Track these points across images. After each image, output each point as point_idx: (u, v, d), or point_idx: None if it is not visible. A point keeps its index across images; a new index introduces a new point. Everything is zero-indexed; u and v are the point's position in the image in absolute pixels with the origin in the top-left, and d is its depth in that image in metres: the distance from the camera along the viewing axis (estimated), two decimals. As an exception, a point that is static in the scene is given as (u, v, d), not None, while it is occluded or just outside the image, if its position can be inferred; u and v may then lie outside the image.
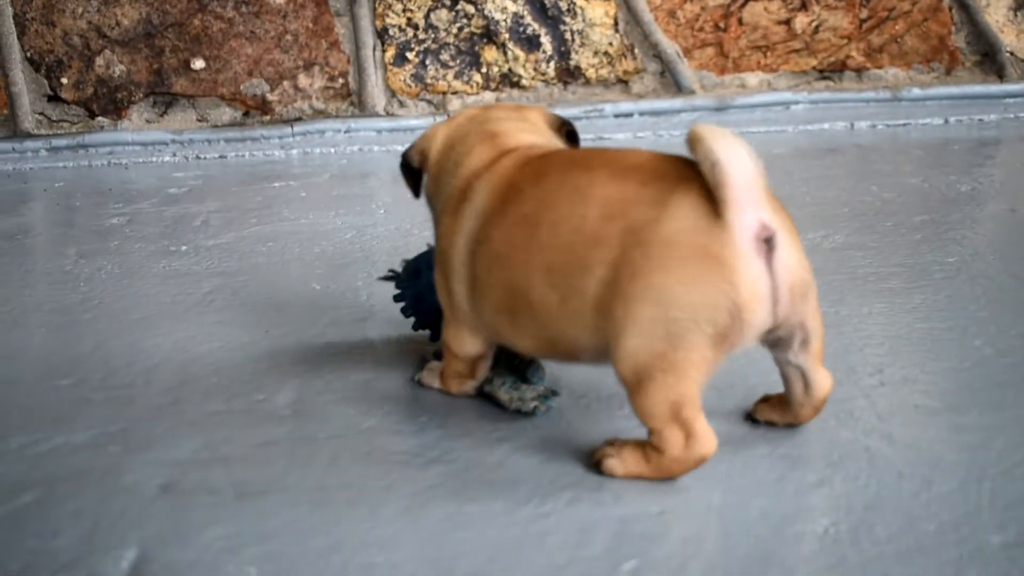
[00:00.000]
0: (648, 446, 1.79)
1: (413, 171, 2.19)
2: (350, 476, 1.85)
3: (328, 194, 3.72)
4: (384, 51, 4.47)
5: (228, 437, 2.02)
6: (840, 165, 3.84)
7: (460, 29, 4.46)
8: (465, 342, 2.03)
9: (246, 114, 4.48)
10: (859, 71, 4.66)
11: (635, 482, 1.80)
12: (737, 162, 1.65)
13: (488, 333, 1.98)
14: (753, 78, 4.62)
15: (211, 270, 2.94)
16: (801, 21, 4.57)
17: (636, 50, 4.53)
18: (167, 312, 2.65)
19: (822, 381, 1.90)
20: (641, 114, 4.52)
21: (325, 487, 1.83)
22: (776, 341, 1.83)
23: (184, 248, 3.15)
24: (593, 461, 1.85)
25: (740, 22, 4.55)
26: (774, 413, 1.98)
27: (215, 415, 2.11)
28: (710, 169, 1.65)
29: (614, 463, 1.82)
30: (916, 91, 4.58)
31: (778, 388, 1.96)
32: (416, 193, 2.22)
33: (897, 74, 4.65)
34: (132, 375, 2.31)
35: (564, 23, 4.48)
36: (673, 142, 4.25)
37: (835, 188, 3.54)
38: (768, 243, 1.67)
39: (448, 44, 4.48)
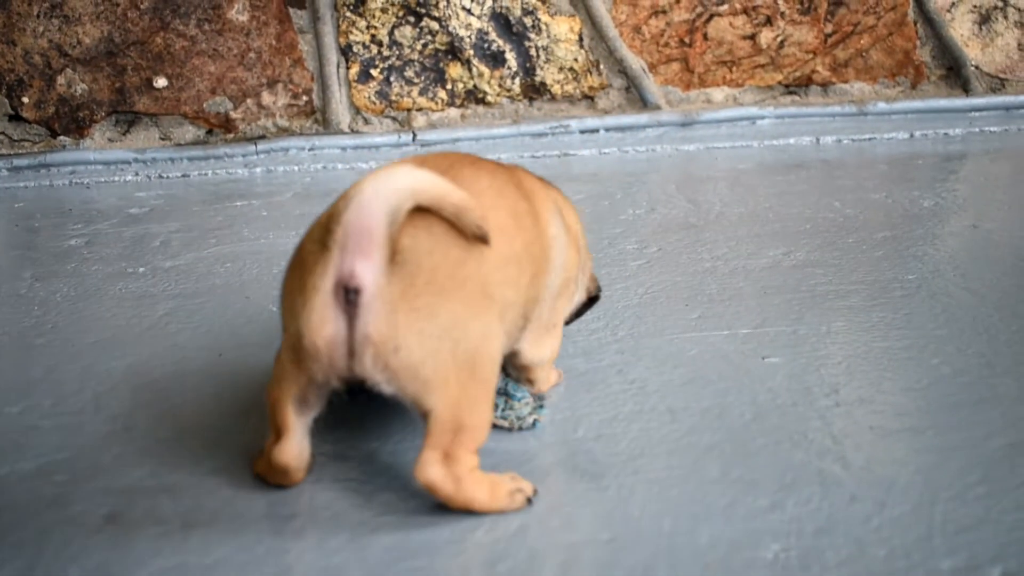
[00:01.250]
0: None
1: None
2: (299, 505, 1.83)
3: (291, 213, 3.69)
4: (348, 68, 4.45)
5: (177, 464, 2.00)
6: (804, 180, 3.84)
7: (424, 46, 4.44)
8: None
9: (209, 132, 4.46)
10: (825, 86, 4.66)
11: (587, 509, 1.78)
12: (366, 204, 1.62)
13: None
14: (719, 93, 4.62)
15: (167, 292, 2.91)
16: (766, 36, 4.57)
17: (601, 66, 4.52)
18: (121, 336, 2.62)
19: (420, 462, 1.72)
20: (607, 130, 4.51)
21: (272, 516, 1.80)
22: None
23: (142, 270, 3.12)
24: None
25: (705, 37, 4.55)
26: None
27: (165, 442, 2.09)
28: (339, 203, 1.66)
29: (256, 461, 1.92)
30: (882, 105, 4.59)
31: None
32: None
33: (863, 88, 4.66)
34: (83, 401, 2.28)
35: (529, 39, 4.47)
36: (639, 158, 4.25)
37: (799, 204, 3.53)
38: (350, 294, 1.63)
39: (413, 60, 4.46)
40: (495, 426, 2.06)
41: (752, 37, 4.57)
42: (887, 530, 1.70)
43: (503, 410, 2.08)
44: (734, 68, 4.59)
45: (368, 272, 1.63)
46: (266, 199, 3.88)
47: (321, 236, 1.69)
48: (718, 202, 3.60)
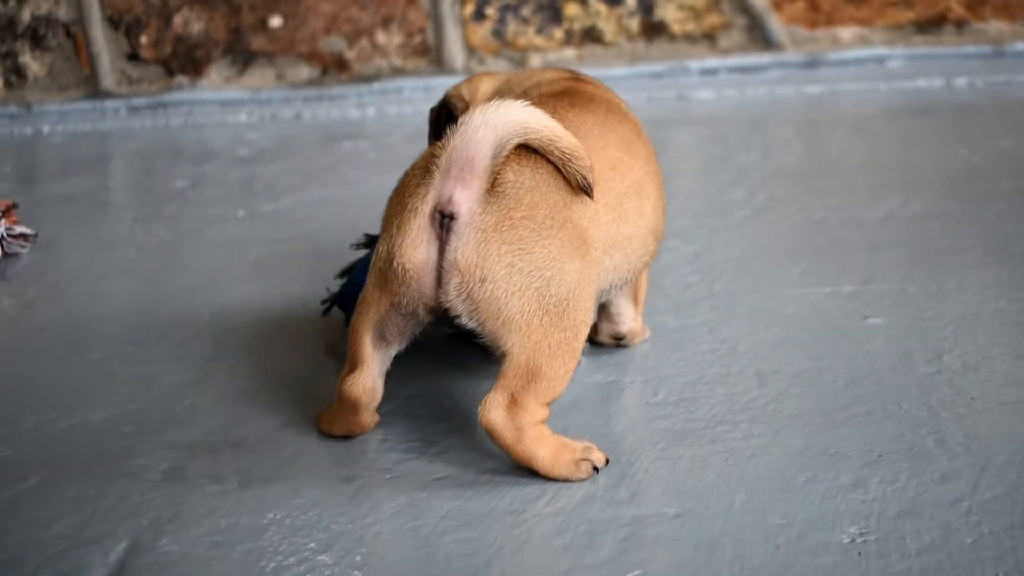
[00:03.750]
0: None
1: (439, 122, 2.13)
2: (358, 467, 1.78)
3: (398, 155, 3.62)
4: (463, 7, 4.36)
5: (247, 418, 1.96)
6: (932, 126, 3.65)
7: (541, -16, 4.33)
8: None
9: (324, 72, 4.42)
10: (959, 24, 4.43)
11: (656, 481, 1.70)
12: (474, 134, 1.61)
13: None
14: (846, 32, 4.43)
15: (262, 237, 2.88)
16: (899, -28, 4.35)
17: (723, 4, 4.36)
18: (210, 281, 2.59)
19: (486, 403, 1.67)
20: (728, 71, 4.35)
21: (331, 477, 1.76)
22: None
23: (241, 213, 3.09)
24: None
25: (834, -26, 4.35)
26: None
27: (240, 394, 2.05)
28: (453, 129, 1.63)
29: (320, 416, 1.89)
30: (1021, 45, 4.35)
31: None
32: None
33: (1000, 28, 4.42)
34: (163, 349, 2.26)
35: (649, -23, 4.33)
36: (759, 100, 4.09)
37: (922, 151, 3.36)
38: (445, 219, 1.62)
39: (529, -1, 4.36)
40: None
41: (884, -27, 4.36)
42: (976, 514, 1.58)
43: None
44: (863, 6, 4.39)
45: (465, 199, 1.62)
46: (375, 140, 3.83)
47: (426, 162, 1.68)
48: (836, 148, 3.44)
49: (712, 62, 4.36)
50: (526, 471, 1.70)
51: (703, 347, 2.14)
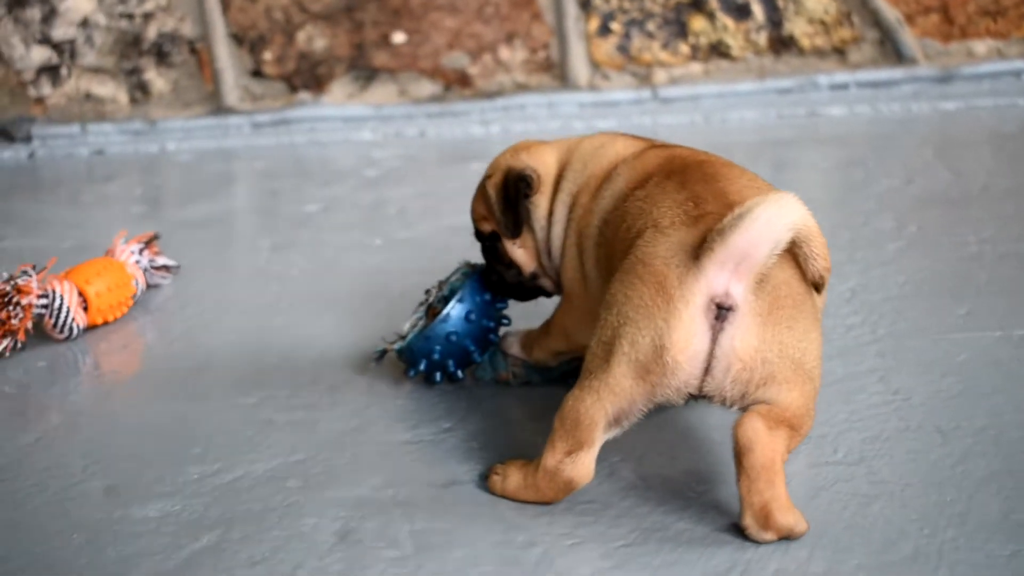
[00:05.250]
0: (532, 463, 1.79)
1: (515, 200, 2.08)
2: (536, 531, 1.73)
3: (527, 177, 3.59)
4: (588, 21, 4.31)
5: (412, 474, 1.92)
6: (1080, 147, 3.53)
7: (667, -2, 4.26)
8: (584, 330, 1.96)
9: (447, 88, 4.39)
10: (1101, 36, 4.29)
11: (850, 552, 1.63)
12: (755, 229, 1.61)
13: None
14: (981, 45, 4.30)
15: (403, 268, 2.85)
16: (1037, -16, 4.22)
17: (854, 17, 4.26)
18: (358, 318, 2.56)
19: (743, 424, 1.66)
20: (859, 85, 4.25)
21: (510, 543, 1.71)
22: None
23: (379, 242, 3.07)
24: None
25: (969, -14, 4.23)
26: None
27: (400, 446, 2.02)
28: (730, 217, 1.63)
29: (496, 479, 1.83)
30: None
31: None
32: (518, 228, 2.09)
33: None
34: (317, 394, 2.23)
35: (777, -10, 4.24)
36: (892, 117, 3.99)
37: (1075, 176, 3.24)
38: (723, 312, 1.63)
39: (654, 13, 4.29)
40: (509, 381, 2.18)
41: (1022, -15, 4.23)
42: None
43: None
44: (999, 18, 4.27)
45: (740, 290, 1.63)
46: (502, 162, 3.78)
47: (693, 250, 1.67)
48: (982, 172, 3.34)
49: (842, 77, 4.26)
50: (705, 538, 1.66)
51: (875, 399, 2.07)
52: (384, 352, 2.22)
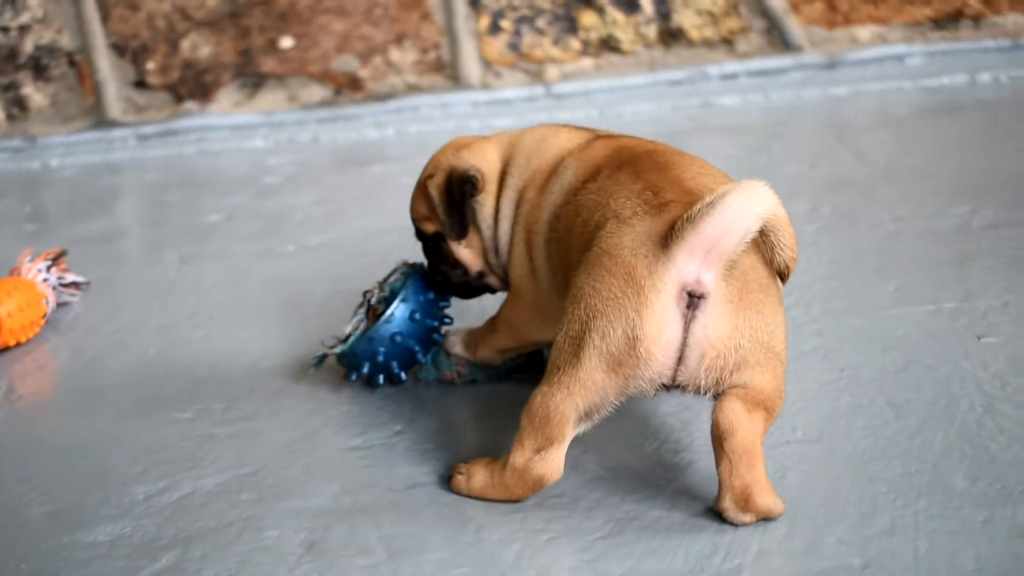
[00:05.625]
0: (497, 462, 1.76)
1: (460, 201, 2.03)
2: (509, 529, 1.70)
3: (430, 178, 3.54)
4: (478, 20, 4.28)
5: (371, 479, 1.87)
6: (970, 125, 3.61)
7: (556, -7, 4.26)
8: (533, 326, 1.99)
9: (337, 92, 4.32)
10: (976, 18, 4.39)
11: (829, 529, 1.63)
12: (726, 217, 1.59)
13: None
14: (864, 31, 4.38)
15: (323, 274, 2.78)
16: (915, -31, 4.31)
17: (741, 7, 4.30)
18: (284, 326, 2.50)
19: (722, 408, 1.67)
20: (748, 75, 4.28)
21: (484, 542, 1.67)
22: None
23: (291, 249, 3.00)
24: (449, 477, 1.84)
25: (850, -27, 4.30)
26: None
27: (352, 452, 1.96)
28: (700, 206, 1.60)
29: (460, 479, 1.80)
30: (1039, 38, 4.31)
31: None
32: (464, 229, 2.05)
33: (1017, 21, 4.38)
34: (255, 405, 2.17)
35: (664, -18, 4.26)
36: (784, 104, 4.03)
37: (971, 153, 3.31)
38: (693, 299, 1.62)
39: (544, 10, 4.27)
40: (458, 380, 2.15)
41: (900, -30, 4.32)
42: None
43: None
44: (880, 4, 4.35)
45: (711, 278, 1.62)
46: (403, 163, 3.73)
47: (660, 239, 1.64)
48: (882, 154, 3.39)
49: (732, 67, 4.30)
50: (685, 526, 1.65)
51: (824, 376, 2.08)
52: (324, 357, 2.16)
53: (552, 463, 1.70)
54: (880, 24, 4.38)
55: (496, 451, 1.86)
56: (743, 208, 1.59)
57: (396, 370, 2.11)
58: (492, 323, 2.12)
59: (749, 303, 1.64)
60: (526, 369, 2.16)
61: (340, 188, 3.54)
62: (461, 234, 2.03)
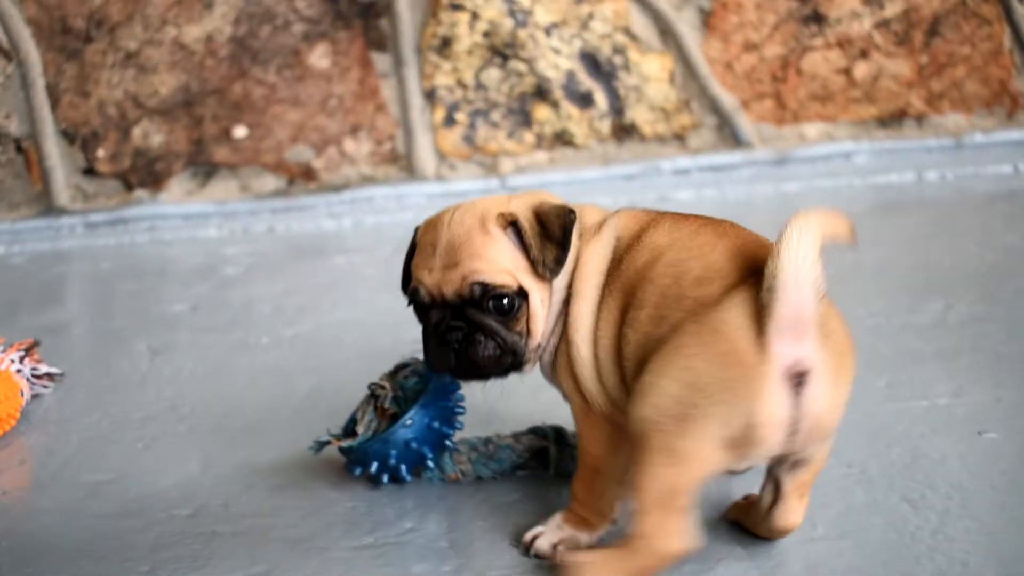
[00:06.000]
0: (623, 547, 1.74)
1: (561, 232, 1.92)
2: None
3: (396, 270, 3.52)
4: (433, 113, 4.29)
5: (387, 577, 1.83)
6: (924, 223, 3.67)
7: (511, 88, 4.28)
8: (612, 449, 1.90)
9: (290, 182, 4.29)
10: (919, 118, 4.51)
11: None
12: (793, 292, 1.64)
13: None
14: (812, 129, 4.46)
15: (303, 366, 2.74)
16: (861, 69, 4.42)
17: (693, 104, 4.36)
18: (272, 419, 2.45)
19: (790, 513, 1.83)
20: (700, 170, 4.35)
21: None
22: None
23: (265, 340, 2.95)
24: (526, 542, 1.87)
25: (799, 72, 4.40)
26: (742, 514, 1.94)
27: (364, 550, 1.92)
28: (765, 292, 1.64)
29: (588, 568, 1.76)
30: (979, 138, 4.43)
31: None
32: (562, 262, 1.92)
33: (958, 120, 4.50)
34: (256, 501, 2.11)
35: (618, 78, 4.31)
36: (738, 200, 4.08)
37: (933, 250, 3.37)
38: (801, 378, 1.65)
39: (499, 103, 4.30)
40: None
41: (847, 71, 4.42)
42: None
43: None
44: (827, 102, 4.44)
45: (809, 352, 1.65)
46: (366, 254, 3.71)
47: (755, 322, 1.66)
48: (845, 249, 3.42)
49: (684, 162, 4.36)
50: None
51: (834, 472, 2.07)
52: (326, 444, 2.12)
53: (687, 534, 1.71)
54: (828, 121, 4.47)
55: (511, 549, 1.84)
56: (806, 279, 1.66)
57: (404, 473, 2.08)
58: (588, 483, 1.93)
59: (842, 370, 1.71)
60: (529, 467, 2.14)
61: (304, 279, 3.50)
62: (557, 269, 1.89)
